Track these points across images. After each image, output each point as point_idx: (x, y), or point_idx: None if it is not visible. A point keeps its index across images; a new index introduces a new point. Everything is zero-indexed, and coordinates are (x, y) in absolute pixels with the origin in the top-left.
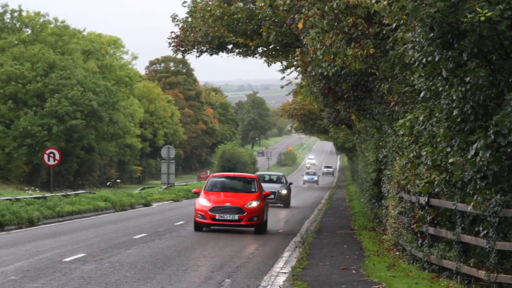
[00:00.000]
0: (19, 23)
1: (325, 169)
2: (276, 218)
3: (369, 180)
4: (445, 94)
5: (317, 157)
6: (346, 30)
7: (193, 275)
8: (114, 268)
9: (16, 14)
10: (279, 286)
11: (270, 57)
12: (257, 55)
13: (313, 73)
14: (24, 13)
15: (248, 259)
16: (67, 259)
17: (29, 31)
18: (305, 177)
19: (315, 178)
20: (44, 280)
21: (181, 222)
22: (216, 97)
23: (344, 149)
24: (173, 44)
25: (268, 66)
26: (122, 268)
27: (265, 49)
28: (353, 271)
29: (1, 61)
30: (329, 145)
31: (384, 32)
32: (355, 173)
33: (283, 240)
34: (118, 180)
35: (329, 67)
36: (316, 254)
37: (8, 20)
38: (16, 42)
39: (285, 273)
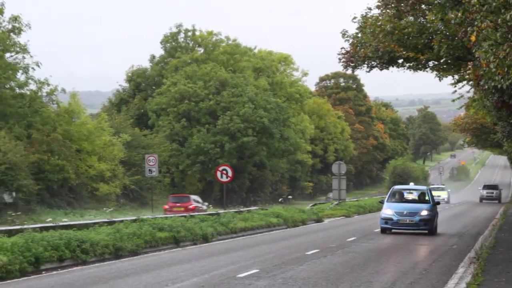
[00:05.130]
0: (192, 42)
1: (485, 192)
2: (450, 233)
3: None
4: None
5: (490, 171)
6: None
7: None
8: (288, 284)
9: (189, 33)
10: None
11: (441, 71)
12: (428, 69)
13: (486, 87)
14: (197, 33)
15: (421, 275)
16: (241, 275)
17: (202, 50)
18: (392, 209)
19: (426, 211)
20: None
21: (353, 238)
22: (386, 112)
23: None
24: (343, 59)
25: (440, 80)
26: (295, 284)
27: (436, 63)
28: None
29: (175, 80)
30: (503, 160)
31: None
32: None
33: (457, 255)
34: (290, 196)
35: (502, 80)
36: (491, 270)
37: (182, 40)
38: (189, 61)
39: None
